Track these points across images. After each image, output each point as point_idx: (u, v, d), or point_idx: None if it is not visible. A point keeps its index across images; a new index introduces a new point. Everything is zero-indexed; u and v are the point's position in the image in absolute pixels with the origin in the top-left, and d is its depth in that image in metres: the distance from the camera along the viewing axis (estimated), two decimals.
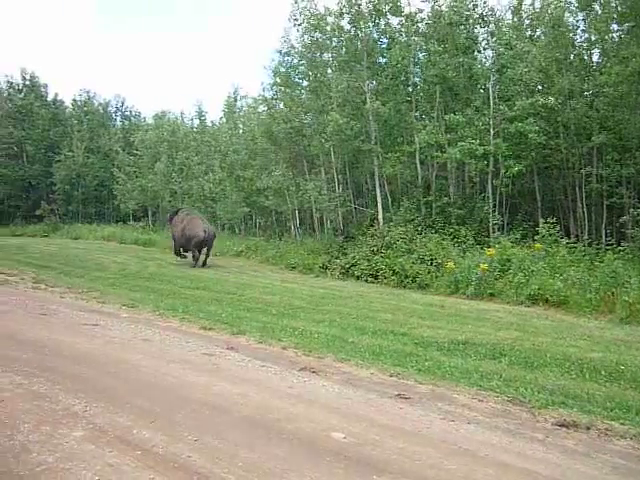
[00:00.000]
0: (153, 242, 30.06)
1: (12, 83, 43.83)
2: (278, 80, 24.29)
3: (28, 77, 43.90)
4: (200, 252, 19.70)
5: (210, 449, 4.34)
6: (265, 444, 4.50)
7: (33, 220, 42.07)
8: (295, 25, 21.55)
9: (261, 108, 29.17)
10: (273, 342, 8.21)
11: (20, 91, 43.94)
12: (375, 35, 20.18)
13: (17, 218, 42.88)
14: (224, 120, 38.63)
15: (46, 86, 45.71)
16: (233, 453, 4.30)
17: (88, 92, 46.16)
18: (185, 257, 20.41)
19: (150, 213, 36.32)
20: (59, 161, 40.18)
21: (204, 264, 19.51)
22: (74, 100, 46.05)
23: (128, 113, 46.25)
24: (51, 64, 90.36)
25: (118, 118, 46.34)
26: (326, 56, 21.37)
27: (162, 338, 8.18)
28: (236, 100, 39.17)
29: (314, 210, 22.80)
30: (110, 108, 46.10)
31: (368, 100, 18.81)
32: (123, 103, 45.82)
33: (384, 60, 20.12)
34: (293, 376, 6.53)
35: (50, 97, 45.32)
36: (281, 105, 24.28)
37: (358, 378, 6.59)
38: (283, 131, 22.20)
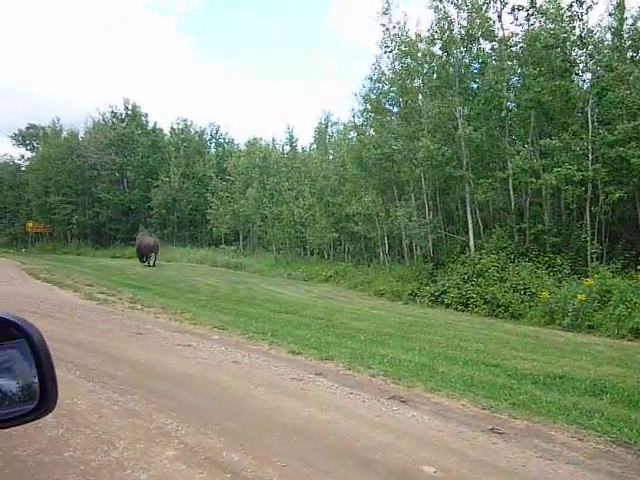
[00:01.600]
0: (243, 265, 30.73)
1: (115, 113, 46.41)
2: (369, 107, 24.48)
3: (130, 107, 46.36)
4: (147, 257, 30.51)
5: (299, 476, 4.31)
6: (354, 474, 4.42)
7: (131, 243, 43.98)
8: (386, 52, 21.71)
9: (351, 134, 29.44)
10: (361, 369, 8.12)
11: (122, 120, 46.42)
12: (467, 60, 20.00)
13: (117, 240, 45.00)
14: (314, 146, 39.29)
15: (146, 115, 48.22)
16: None
17: (185, 120, 48.15)
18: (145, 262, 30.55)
19: (241, 237, 37.15)
20: (157, 186, 41.93)
21: (153, 265, 29.54)
22: (172, 128, 48.16)
23: (222, 140, 47.83)
24: (151, 94, 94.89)
25: (212, 145, 47.97)
26: (417, 82, 21.34)
27: (251, 361, 8.26)
28: (327, 127, 39.83)
29: (403, 236, 22.61)
30: (205, 135, 47.85)
31: (460, 126, 18.61)
32: (217, 130, 47.53)
33: (476, 85, 19.88)
34: (382, 404, 6.42)
35: (150, 126, 47.56)
36: (371, 131, 24.42)
37: (449, 409, 6.40)
38: (373, 157, 22.28)
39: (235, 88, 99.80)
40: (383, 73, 22.64)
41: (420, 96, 21.32)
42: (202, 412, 5.66)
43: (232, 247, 37.36)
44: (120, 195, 44.56)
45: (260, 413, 5.80)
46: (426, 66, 20.38)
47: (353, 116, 27.33)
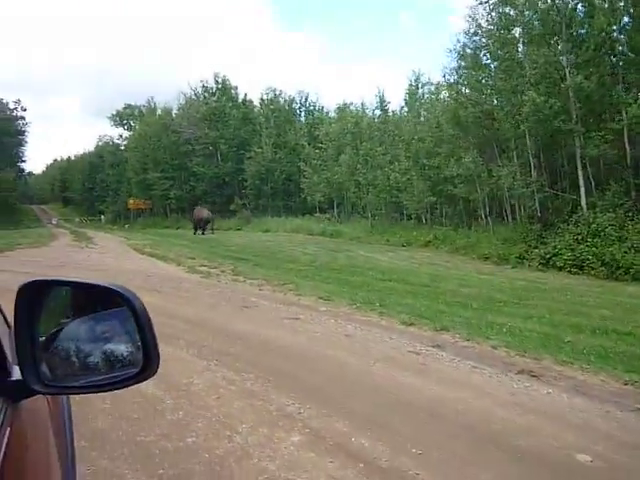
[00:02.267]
0: (340, 233, 30.45)
1: (206, 87, 46.98)
2: (463, 63, 23.29)
3: (220, 80, 46.72)
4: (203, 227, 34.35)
5: (437, 465, 3.91)
6: (498, 463, 3.97)
7: (227, 214, 44.70)
8: (482, 2, 20.48)
9: (445, 93, 28.30)
10: (480, 340, 7.61)
11: (213, 94, 46.93)
12: (573, 3, 18.51)
13: (213, 213, 45.83)
14: (405, 109, 38.17)
15: (236, 88, 48.50)
16: (465, 472, 3.83)
17: (274, 90, 48.05)
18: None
19: (335, 205, 36.83)
20: (250, 158, 42.23)
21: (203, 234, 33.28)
22: (261, 99, 48.27)
23: (312, 108, 47.44)
24: (239, 67, 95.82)
25: (302, 113, 47.70)
26: (517, 32, 20.00)
27: (363, 334, 7.91)
28: (417, 87, 38.54)
29: (506, 197, 21.56)
30: (295, 104, 47.60)
31: (568, 75, 17.29)
32: (307, 98, 47.17)
33: (584, 30, 18.39)
34: (512, 380, 5.90)
35: (240, 98, 47.82)
36: (467, 89, 23.27)
37: (587, 385, 5.81)
38: (472, 116, 21.24)
39: (320, 55, 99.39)
40: (479, 25, 21.37)
41: (521, 47, 19.98)
42: (322, 391, 5.35)
43: (326, 215, 37.19)
44: (214, 168, 45.28)
45: (382, 391, 5.43)
46: (527, 13, 18.99)
47: (444, 75, 26.22)
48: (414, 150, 27.59)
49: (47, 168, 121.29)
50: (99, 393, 1.53)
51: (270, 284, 12.71)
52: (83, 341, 1.46)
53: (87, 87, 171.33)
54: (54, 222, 63.07)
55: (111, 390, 1.49)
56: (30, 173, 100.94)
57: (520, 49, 20.04)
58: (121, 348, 1.46)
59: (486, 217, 23.50)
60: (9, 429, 1.24)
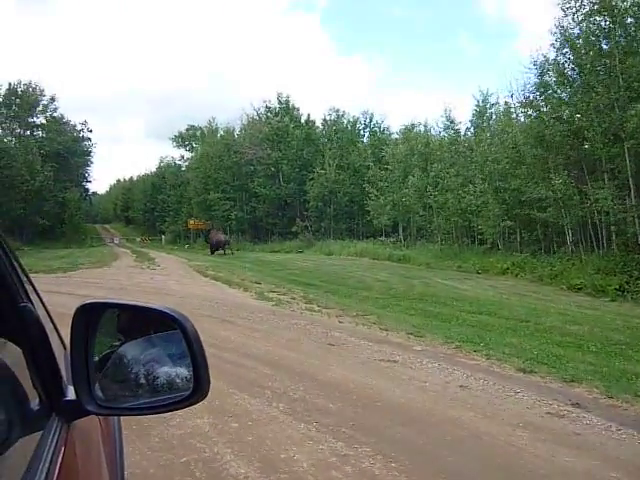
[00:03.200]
0: (408, 258, 29.02)
1: (270, 107, 46.52)
2: (547, 78, 21.74)
3: (283, 100, 46.18)
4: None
5: None
6: None
7: (288, 237, 43.88)
8: (570, 13, 18.99)
9: (519, 112, 26.78)
10: (629, 397, 6.14)
11: (276, 114, 46.42)
12: None
13: (274, 235, 45.14)
14: (471, 129, 36.61)
15: (298, 109, 47.91)
16: None
17: (337, 111, 47.29)
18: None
19: (401, 228, 35.42)
20: (312, 179, 41.34)
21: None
22: (324, 120, 47.55)
23: (376, 129, 46.33)
24: (300, 90, 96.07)
25: (366, 134, 46.67)
26: (613, 42, 18.33)
27: (480, 385, 6.54)
28: (486, 108, 36.96)
29: (598, 222, 19.75)
30: (359, 125, 46.64)
31: None
32: (371, 119, 46.14)
33: None
34: None
35: (303, 118, 47.16)
36: (549, 107, 21.68)
37: None
38: (558, 134, 19.64)
39: (379, 77, 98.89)
40: (567, 38, 19.81)
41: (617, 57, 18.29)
42: (463, 477, 4.04)
43: (390, 239, 35.91)
44: (276, 189, 44.58)
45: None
46: (630, 21, 17.37)
47: (522, 93, 24.62)
48: (487, 172, 26.07)
49: (110, 188, 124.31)
50: (150, 415, 1.70)
51: (348, 315, 11.49)
52: (135, 363, 1.45)
53: (150, 110, 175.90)
54: (116, 241, 63.65)
55: (161, 412, 1.53)
56: (94, 193, 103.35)
57: (617, 60, 18.34)
58: (172, 371, 1.45)
59: (573, 244, 21.68)
60: (63, 448, 1.28)
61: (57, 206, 57.42)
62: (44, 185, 52.17)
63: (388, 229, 38.43)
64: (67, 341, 1.46)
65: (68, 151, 66.49)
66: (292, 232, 43.11)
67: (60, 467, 1.19)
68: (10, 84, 62.38)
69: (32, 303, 1.55)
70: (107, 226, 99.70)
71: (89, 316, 1.45)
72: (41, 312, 1.66)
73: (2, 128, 52.57)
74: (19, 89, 64.64)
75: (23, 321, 1.45)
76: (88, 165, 74.90)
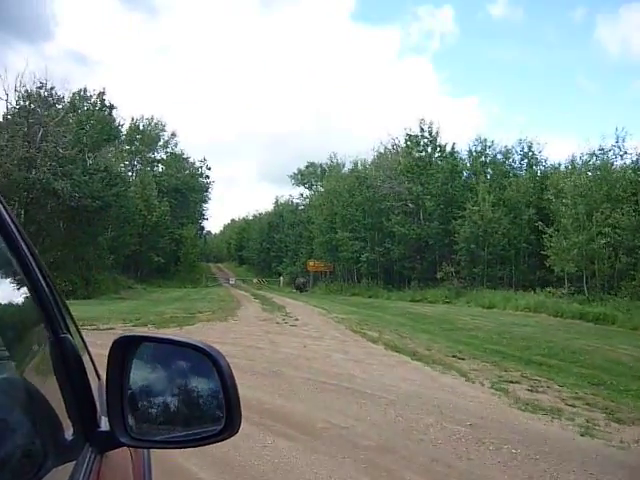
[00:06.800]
0: (610, 318, 21.96)
1: (410, 135, 40.70)
2: None
3: (427, 128, 40.27)
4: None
5: None
6: None
7: (429, 283, 37.56)
8: None
9: None
10: None
11: (418, 143, 40.54)
12: None
13: (413, 281, 38.94)
14: None
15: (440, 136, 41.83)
16: None
17: (484, 141, 40.93)
18: None
19: (585, 277, 27.99)
20: (462, 217, 34.91)
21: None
22: (469, 151, 41.31)
23: (537, 159, 39.16)
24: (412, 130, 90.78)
25: (523, 165, 39.68)
26: None
27: None
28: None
29: None
30: (514, 155, 39.83)
31: None
32: (530, 147, 39.03)
33: None
34: None
35: (448, 148, 41.05)
36: None
37: None
38: None
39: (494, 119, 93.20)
40: None
41: None
42: None
43: (563, 290, 28.82)
44: (416, 229, 38.39)
45: None
46: None
47: None
48: None
49: (224, 228, 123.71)
50: (182, 449, 1.64)
51: None
52: (169, 396, 1.48)
53: (262, 153, 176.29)
54: (232, 282, 60.16)
55: (193, 447, 1.54)
56: (209, 232, 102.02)
57: None
58: (204, 405, 1.48)
59: None
60: (96, 477, 1.32)
61: (173, 243, 54.39)
62: (161, 220, 49.06)
63: (553, 278, 31.52)
64: (102, 373, 1.49)
65: (186, 187, 64.16)
66: (434, 278, 36.75)
67: None
68: (133, 118, 60.93)
69: (71, 334, 1.57)
70: (220, 265, 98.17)
71: (124, 349, 1.47)
72: (78, 343, 1.68)
73: (123, 164, 50.28)
74: (141, 124, 63.35)
75: (62, 352, 1.47)
76: (205, 202, 72.69)
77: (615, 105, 79.45)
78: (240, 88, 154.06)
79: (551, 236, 27.72)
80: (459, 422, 6.21)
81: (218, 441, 1.41)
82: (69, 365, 1.46)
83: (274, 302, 27.97)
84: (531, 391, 8.53)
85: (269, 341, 12.56)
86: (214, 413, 1.44)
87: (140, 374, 1.51)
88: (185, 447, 1.56)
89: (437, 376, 9.46)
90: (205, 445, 1.45)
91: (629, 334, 18.85)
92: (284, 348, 11.44)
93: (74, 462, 1.27)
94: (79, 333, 1.86)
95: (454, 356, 11.87)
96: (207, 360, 1.41)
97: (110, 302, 25.83)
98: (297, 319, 18.39)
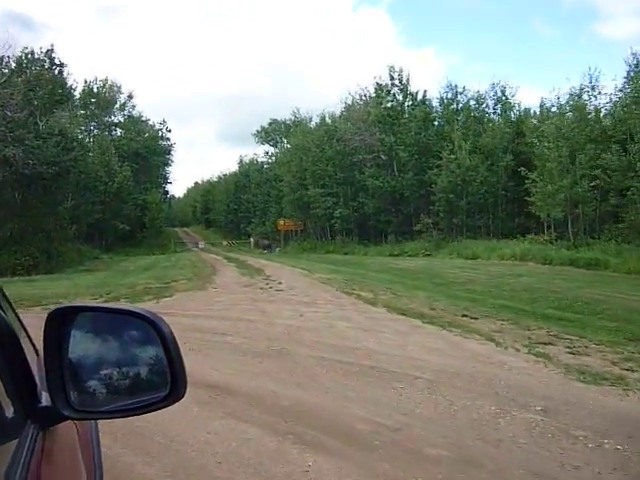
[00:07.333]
0: (603, 263, 21.20)
1: (380, 85, 39.02)
2: None
3: (396, 76, 38.61)
4: None
5: None
6: None
7: (406, 237, 36.55)
8: None
9: None
10: None
11: (388, 92, 38.92)
12: None
13: (389, 235, 37.85)
14: None
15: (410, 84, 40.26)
16: None
17: (455, 87, 39.55)
18: None
19: (569, 223, 27.15)
20: (438, 166, 33.69)
21: None
22: (441, 98, 39.93)
23: (511, 102, 37.89)
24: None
25: (498, 110, 38.43)
26: None
27: None
28: None
29: None
30: (488, 100, 38.52)
31: None
32: (503, 92, 37.71)
33: None
34: None
35: (419, 96, 39.55)
36: None
37: None
38: None
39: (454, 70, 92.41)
40: None
41: None
42: None
43: (546, 236, 28.10)
44: (390, 181, 37.07)
45: None
46: None
47: None
48: None
49: (188, 191, 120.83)
50: (127, 417, 1.50)
51: None
52: (111, 366, 1.45)
53: (219, 113, 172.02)
54: (201, 246, 58.47)
55: (139, 414, 1.48)
56: (172, 196, 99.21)
57: None
58: (148, 372, 1.45)
59: None
60: (40, 455, 1.27)
61: (137, 209, 52.24)
62: (123, 186, 46.82)
63: (533, 225, 30.86)
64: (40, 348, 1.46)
65: (147, 150, 61.64)
66: (411, 231, 35.74)
67: (38, 474, 1.19)
68: (86, 81, 57.79)
69: (3, 310, 1.54)
70: (187, 229, 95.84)
71: (61, 321, 1.44)
72: (11, 318, 1.64)
73: (79, 130, 47.56)
74: (95, 87, 60.20)
75: None
76: (169, 164, 70.14)
77: (574, 51, 78.59)
78: (192, 46, 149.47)
79: (535, 181, 26.68)
80: (526, 407, 5.03)
81: (165, 406, 1.37)
82: (2, 341, 1.40)
83: (250, 265, 26.56)
84: (573, 354, 7.43)
85: (259, 311, 11.22)
86: (158, 380, 1.40)
87: (80, 346, 1.47)
88: (131, 415, 1.47)
89: (461, 342, 8.29)
90: (152, 411, 1.38)
91: (628, 279, 18.07)
92: (279, 319, 10.12)
93: (16, 440, 1.22)
94: (12, 309, 1.81)
95: (464, 315, 10.80)
96: (148, 326, 1.38)
97: (76, 275, 24.10)
98: (280, 282, 17.07)
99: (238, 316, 10.29)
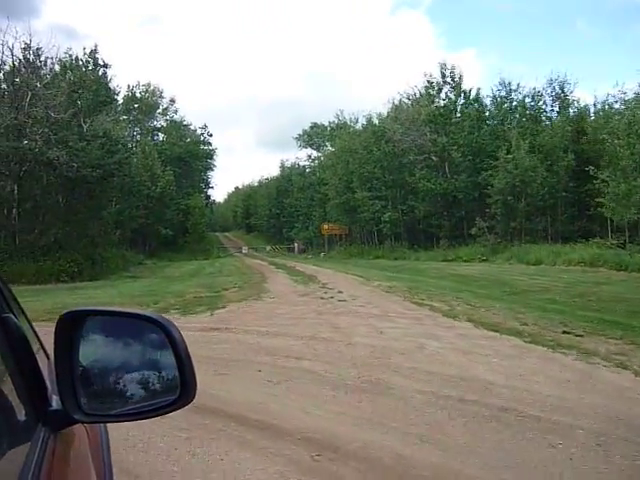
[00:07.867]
0: None
1: (431, 83, 37.48)
2: None
3: (448, 73, 37.03)
4: None
5: None
6: None
7: (459, 241, 34.91)
8: None
9: None
10: None
11: (440, 90, 37.35)
12: None
13: (441, 240, 36.24)
14: None
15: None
16: None
17: (508, 84, 37.77)
18: None
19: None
20: (494, 167, 31.98)
21: None
22: (493, 96, 38.23)
23: (569, 99, 35.94)
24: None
25: (555, 107, 36.53)
26: None
27: None
28: None
29: None
30: (545, 97, 36.66)
31: None
32: (562, 88, 35.76)
33: None
34: None
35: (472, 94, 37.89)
36: None
37: None
38: None
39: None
40: None
41: None
42: None
43: (612, 240, 26.22)
44: (443, 183, 35.47)
45: None
46: None
47: None
48: None
49: (228, 196, 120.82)
50: (137, 421, 1.50)
51: None
52: (121, 369, 1.44)
53: (258, 117, 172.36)
54: (244, 251, 57.68)
55: (149, 418, 1.46)
56: (214, 201, 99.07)
57: None
58: (158, 376, 1.42)
59: None
60: (51, 458, 1.26)
61: (180, 214, 51.63)
62: (166, 191, 46.17)
63: (596, 228, 28.95)
64: (51, 352, 1.42)
65: (189, 155, 61.23)
66: (464, 235, 34.11)
67: (48, 477, 1.18)
68: (129, 86, 57.57)
69: (14, 314, 1.53)
70: (228, 234, 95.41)
71: (72, 324, 1.43)
72: (23, 323, 1.62)
73: (122, 135, 47.13)
74: (138, 92, 59.98)
75: (5, 332, 1.43)
76: (211, 169, 69.69)
77: (620, 51, 75.62)
78: (232, 53, 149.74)
79: (605, 181, 24.77)
80: None
81: (175, 409, 1.35)
82: (14, 345, 1.40)
83: (300, 271, 25.38)
84: None
85: (330, 326, 9.88)
86: (168, 383, 1.39)
87: (90, 349, 1.46)
88: (140, 419, 1.48)
89: (587, 369, 6.80)
90: (162, 414, 1.37)
91: None
92: (356, 337, 8.75)
93: (28, 443, 1.22)
94: (23, 313, 1.79)
95: (565, 332, 9.28)
96: (158, 330, 1.37)
97: (120, 282, 23.20)
98: (340, 291, 15.74)
99: (309, 334, 8.93)
